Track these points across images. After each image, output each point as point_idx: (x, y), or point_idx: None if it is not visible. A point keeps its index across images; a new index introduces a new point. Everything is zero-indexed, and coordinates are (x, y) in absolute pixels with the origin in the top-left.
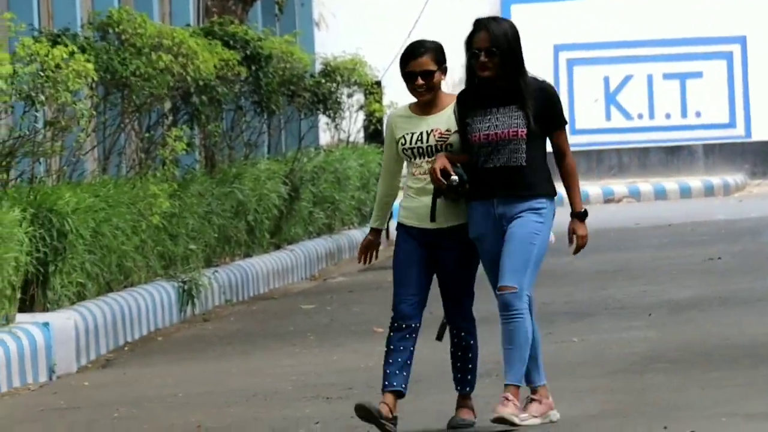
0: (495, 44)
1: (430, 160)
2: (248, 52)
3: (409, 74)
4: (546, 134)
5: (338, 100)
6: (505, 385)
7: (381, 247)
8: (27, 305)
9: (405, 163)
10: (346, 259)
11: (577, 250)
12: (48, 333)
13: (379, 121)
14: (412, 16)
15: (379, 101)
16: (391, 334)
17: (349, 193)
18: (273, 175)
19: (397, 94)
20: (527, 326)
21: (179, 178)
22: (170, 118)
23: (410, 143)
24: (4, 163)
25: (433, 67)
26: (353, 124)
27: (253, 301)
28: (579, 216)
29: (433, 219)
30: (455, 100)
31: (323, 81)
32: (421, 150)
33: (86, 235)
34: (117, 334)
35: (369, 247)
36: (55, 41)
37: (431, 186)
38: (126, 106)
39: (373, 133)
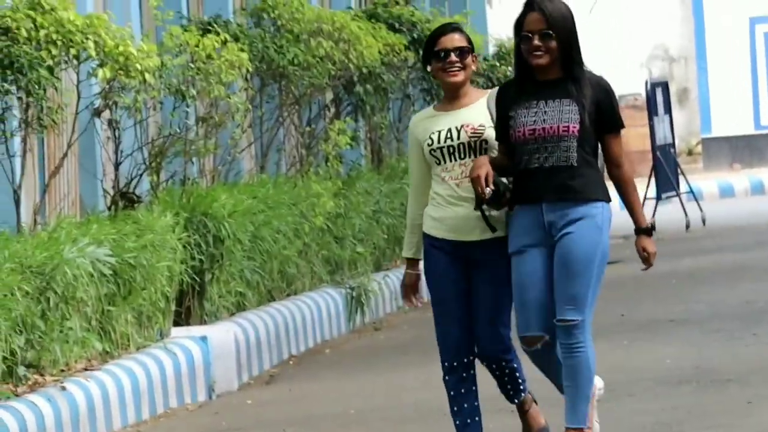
0: (551, 26)
1: (463, 161)
2: (415, 36)
3: (439, 52)
4: (598, 137)
5: None
6: (567, 429)
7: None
8: (182, 318)
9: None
10: None
11: (647, 267)
12: (206, 348)
13: None
14: None
15: None
16: (446, 378)
17: None
18: None
19: None
20: (590, 359)
21: (344, 175)
22: (332, 109)
23: (438, 142)
24: (154, 164)
25: (465, 44)
26: None
27: (428, 307)
28: (646, 231)
29: (492, 229)
30: (487, 95)
31: (498, 64)
32: (452, 149)
33: (245, 240)
34: (281, 347)
35: (414, 286)
36: (205, 30)
37: (465, 192)
38: (284, 99)
39: None
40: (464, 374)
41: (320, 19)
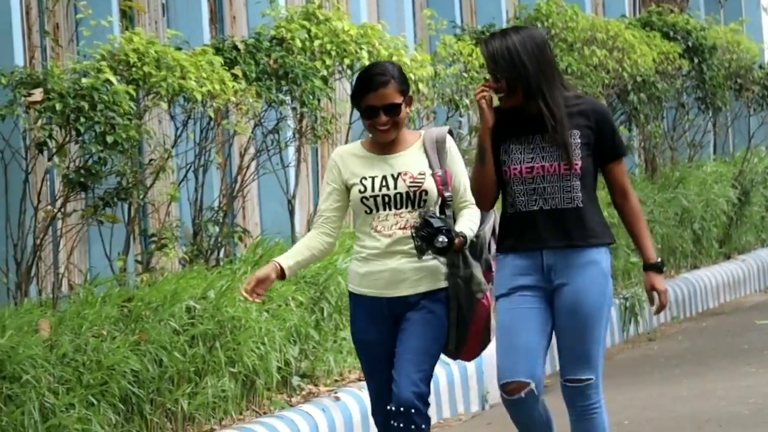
0: (496, 68)
1: (398, 212)
2: (690, 44)
3: (368, 109)
4: (599, 166)
5: None
6: None
7: None
8: None
9: (355, 217)
10: None
11: (660, 309)
12: (479, 360)
13: None
14: None
15: None
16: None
17: None
18: (720, 178)
19: None
20: (606, 420)
21: None
22: None
23: (372, 190)
24: None
25: (398, 99)
26: None
27: (702, 317)
28: (655, 268)
29: (420, 252)
30: (425, 136)
31: None
32: (387, 199)
33: None
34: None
35: (262, 283)
36: (479, 39)
37: (398, 245)
38: None
39: None
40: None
41: (594, 28)
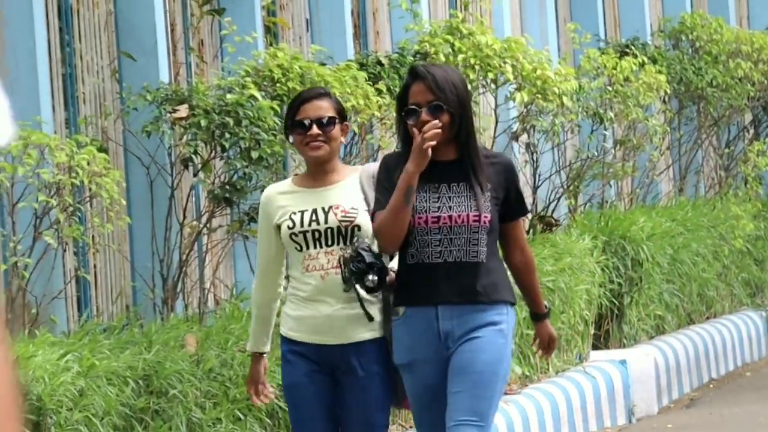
0: (441, 98)
1: (330, 249)
2: None
3: (299, 123)
4: (502, 222)
5: None
6: None
7: None
8: (601, 342)
9: (288, 257)
10: None
11: (548, 354)
12: (625, 371)
13: None
14: None
15: None
16: None
17: None
18: None
19: None
20: None
21: (763, 197)
22: (751, 131)
23: (301, 225)
24: (572, 187)
25: (331, 113)
26: None
27: None
28: (546, 316)
29: (369, 318)
30: (360, 172)
31: None
32: (317, 234)
33: (663, 263)
34: (700, 371)
35: (262, 381)
36: (623, 52)
37: (331, 287)
38: (702, 120)
39: None
40: None
41: (739, 40)
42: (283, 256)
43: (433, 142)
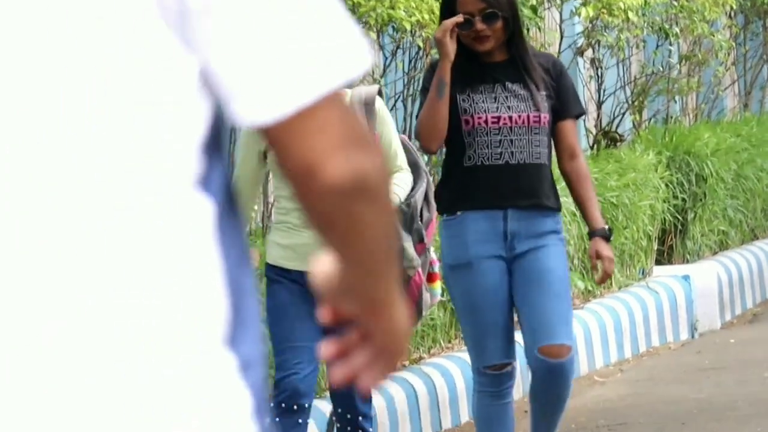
0: (494, 3)
1: None
2: None
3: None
4: (555, 122)
5: None
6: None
7: None
8: (664, 257)
9: (273, 179)
10: None
11: (603, 279)
12: (688, 287)
13: None
14: None
15: None
16: (277, 419)
17: None
18: None
19: None
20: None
21: None
22: None
23: None
24: (636, 103)
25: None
26: None
27: None
28: (603, 234)
29: None
30: (353, 95)
31: None
32: None
33: (727, 179)
34: (764, 286)
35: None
36: None
37: None
38: None
39: None
40: (299, 420)
41: None
42: (264, 168)
43: (449, 33)
